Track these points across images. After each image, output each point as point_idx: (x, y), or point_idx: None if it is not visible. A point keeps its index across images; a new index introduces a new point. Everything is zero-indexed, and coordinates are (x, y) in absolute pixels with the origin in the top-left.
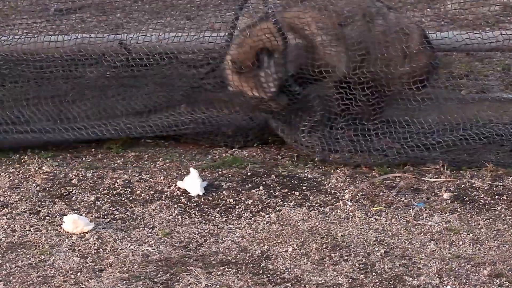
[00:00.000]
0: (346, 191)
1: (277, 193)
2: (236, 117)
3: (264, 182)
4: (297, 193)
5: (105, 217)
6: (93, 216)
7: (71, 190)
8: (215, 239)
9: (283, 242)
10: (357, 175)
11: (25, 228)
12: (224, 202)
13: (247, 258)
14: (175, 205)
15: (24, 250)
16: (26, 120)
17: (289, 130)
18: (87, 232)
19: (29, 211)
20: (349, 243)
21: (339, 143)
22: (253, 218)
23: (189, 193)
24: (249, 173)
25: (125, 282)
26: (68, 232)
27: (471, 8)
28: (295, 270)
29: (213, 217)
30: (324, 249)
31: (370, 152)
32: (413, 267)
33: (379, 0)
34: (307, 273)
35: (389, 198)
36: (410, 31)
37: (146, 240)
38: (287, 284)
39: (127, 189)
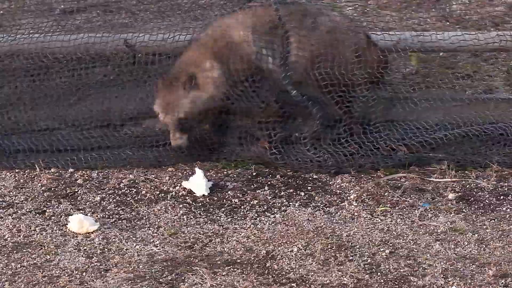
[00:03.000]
0: (351, 191)
1: (282, 193)
2: None
3: (269, 182)
4: (302, 193)
5: (111, 217)
6: (98, 216)
7: (76, 190)
8: (220, 239)
9: (288, 242)
10: (362, 175)
11: (30, 228)
12: (229, 202)
13: (252, 258)
14: (181, 205)
15: (30, 250)
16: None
17: (287, 153)
18: (92, 232)
19: (34, 211)
20: (354, 243)
21: (346, 149)
22: (258, 218)
23: (194, 193)
24: (254, 173)
25: (130, 282)
26: (73, 232)
27: (476, 9)
28: (300, 270)
29: (218, 217)
30: (329, 249)
31: (377, 155)
32: (418, 267)
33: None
34: (312, 273)
35: (394, 199)
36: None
37: (152, 240)
38: (292, 284)
39: (133, 189)
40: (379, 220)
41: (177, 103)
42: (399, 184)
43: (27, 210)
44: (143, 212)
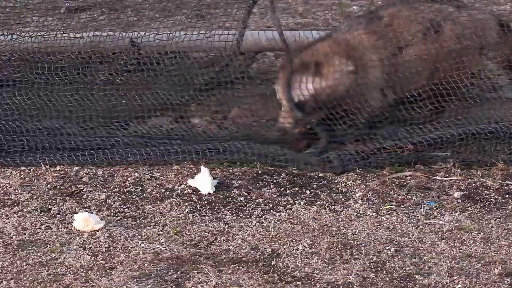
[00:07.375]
0: (357, 189)
1: (287, 192)
2: None
3: (275, 181)
4: (308, 192)
5: (116, 215)
6: (103, 214)
7: (82, 188)
8: (225, 238)
9: (293, 240)
10: (367, 174)
11: (35, 226)
12: (234, 200)
13: (258, 256)
14: (186, 203)
15: (35, 248)
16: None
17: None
18: (97, 230)
19: (40, 209)
20: (360, 241)
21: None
22: (263, 217)
23: (199, 191)
24: (259, 172)
25: (135, 280)
26: (78, 230)
27: (481, 7)
28: (305, 268)
29: (223, 216)
30: (335, 248)
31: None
32: (423, 266)
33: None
34: (317, 271)
35: (400, 197)
36: (486, 23)
37: (157, 238)
38: (298, 283)
39: (138, 187)
40: (385, 219)
41: (297, 86)
42: (405, 183)
43: (33, 208)
44: (148, 210)
